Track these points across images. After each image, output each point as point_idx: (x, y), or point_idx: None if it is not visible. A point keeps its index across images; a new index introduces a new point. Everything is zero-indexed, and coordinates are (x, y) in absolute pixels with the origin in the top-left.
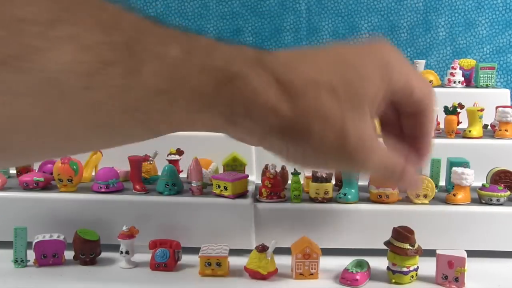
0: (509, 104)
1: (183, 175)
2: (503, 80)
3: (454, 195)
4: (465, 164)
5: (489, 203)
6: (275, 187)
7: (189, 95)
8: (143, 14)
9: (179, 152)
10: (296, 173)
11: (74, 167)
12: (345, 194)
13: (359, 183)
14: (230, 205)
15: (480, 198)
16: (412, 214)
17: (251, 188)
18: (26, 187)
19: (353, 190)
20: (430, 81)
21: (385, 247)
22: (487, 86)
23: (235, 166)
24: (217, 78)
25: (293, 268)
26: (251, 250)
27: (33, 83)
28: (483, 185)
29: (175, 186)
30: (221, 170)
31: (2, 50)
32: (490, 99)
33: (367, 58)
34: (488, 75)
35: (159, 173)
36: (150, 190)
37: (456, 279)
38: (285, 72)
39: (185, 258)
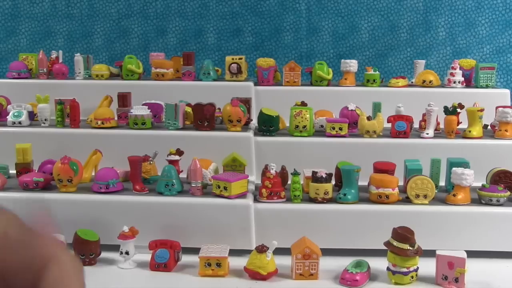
0: (509, 104)
1: (183, 175)
2: (503, 80)
3: (454, 195)
4: (465, 164)
5: (489, 203)
6: (275, 187)
7: None
8: None
9: (179, 152)
10: (296, 173)
11: (74, 167)
12: (345, 194)
13: (359, 184)
14: (230, 205)
15: (480, 198)
16: (412, 214)
17: (251, 188)
18: (26, 187)
19: (353, 191)
20: (430, 81)
21: (385, 248)
22: (487, 86)
23: (235, 166)
24: None
25: (293, 268)
26: (251, 251)
27: None
28: (483, 185)
29: (175, 187)
30: (221, 170)
31: None
32: (490, 99)
33: None
34: (488, 75)
35: (159, 173)
36: (150, 190)
37: (456, 280)
38: None
39: (185, 258)
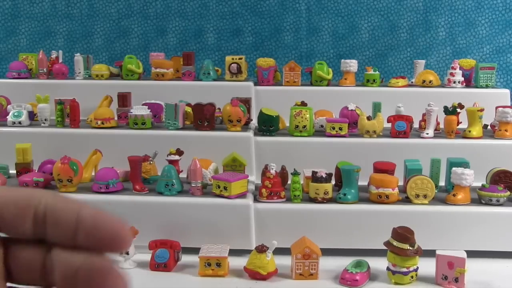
0: (509, 104)
1: (183, 175)
2: (503, 80)
3: (454, 195)
4: (465, 164)
5: (489, 203)
6: (275, 187)
7: None
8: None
9: (179, 152)
10: (296, 173)
11: (74, 167)
12: (345, 194)
13: (359, 183)
14: (230, 205)
15: (480, 198)
16: (412, 214)
17: (251, 188)
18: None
19: (353, 190)
20: (430, 81)
21: (385, 248)
22: (487, 86)
23: (235, 166)
24: None
25: (293, 268)
26: (251, 250)
27: None
28: (483, 185)
29: (175, 186)
30: (221, 170)
31: None
32: (490, 99)
33: None
34: (488, 75)
35: (159, 173)
36: (150, 190)
37: (456, 280)
38: None
39: (185, 258)
